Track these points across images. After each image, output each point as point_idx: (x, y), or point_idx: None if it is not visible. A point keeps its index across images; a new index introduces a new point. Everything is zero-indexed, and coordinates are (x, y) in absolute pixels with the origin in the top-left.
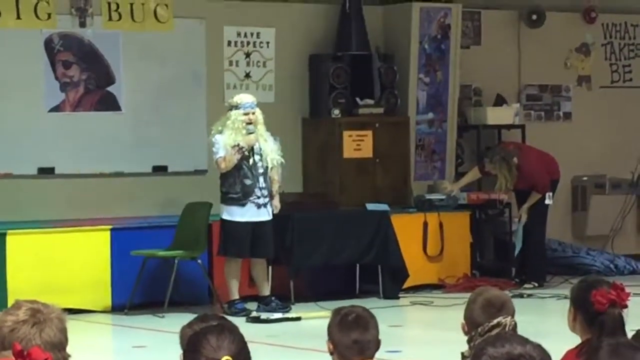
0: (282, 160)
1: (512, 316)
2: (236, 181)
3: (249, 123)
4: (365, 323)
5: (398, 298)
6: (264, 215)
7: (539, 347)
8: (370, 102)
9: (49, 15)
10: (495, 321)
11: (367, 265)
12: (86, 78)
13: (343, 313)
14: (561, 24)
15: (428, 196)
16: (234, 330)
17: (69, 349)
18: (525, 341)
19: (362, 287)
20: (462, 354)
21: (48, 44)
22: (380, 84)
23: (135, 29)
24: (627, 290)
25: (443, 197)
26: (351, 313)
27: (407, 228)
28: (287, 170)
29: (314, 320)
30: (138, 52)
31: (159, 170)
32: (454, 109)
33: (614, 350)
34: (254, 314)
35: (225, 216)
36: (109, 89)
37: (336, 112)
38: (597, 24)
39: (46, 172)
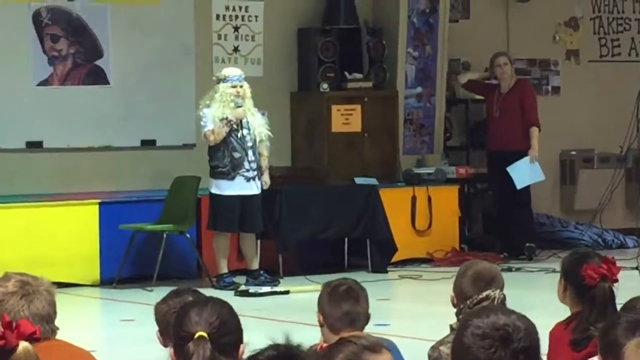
0: (270, 134)
1: (501, 289)
2: (225, 154)
3: (237, 96)
4: (357, 295)
5: (386, 272)
6: (253, 188)
7: (523, 317)
8: (359, 76)
9: None
10: (484, 294)
11: (356, 239)
12: (74, 52)
13: (334, 285)
14: None
15: (416, 170)
16: (217, 304)
17: (57, 322)
18: (510, 312)
19: (351, 261)
20: (451, 326)
21: (36, 18)
22: (369, 58)
23: (123, 2)
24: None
25: (431, 171)
26: (342, 285)
27: (395, 202)
28: (275, 145)
29: (302, 294)
30: (126, 26)
31: (148, 144)
32: (442, 83)
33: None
34: (243, 287)
35: (214, 190)
36: (97, 62)
37: (325, 86)
38: None
39: (34, 146)
